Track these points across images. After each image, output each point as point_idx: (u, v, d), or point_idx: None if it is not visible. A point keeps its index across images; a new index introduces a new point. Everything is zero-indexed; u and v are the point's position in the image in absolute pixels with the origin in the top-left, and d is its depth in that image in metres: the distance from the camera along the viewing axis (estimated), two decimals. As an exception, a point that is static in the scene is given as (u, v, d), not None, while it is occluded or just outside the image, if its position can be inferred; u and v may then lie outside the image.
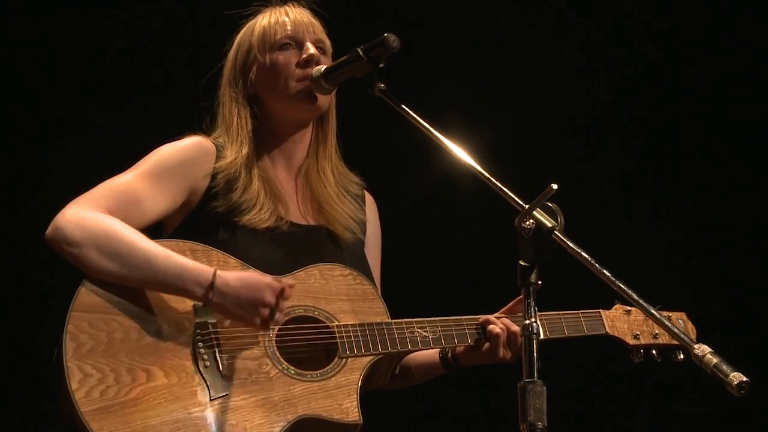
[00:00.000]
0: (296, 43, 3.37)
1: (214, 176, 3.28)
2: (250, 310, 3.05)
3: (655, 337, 3.56)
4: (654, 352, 3.56)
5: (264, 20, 3.40)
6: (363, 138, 4.49)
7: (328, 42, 3.42)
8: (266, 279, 3.09)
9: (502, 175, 2.69)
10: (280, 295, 3.06)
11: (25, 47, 4.66)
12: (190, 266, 3.06)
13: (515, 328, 3.31)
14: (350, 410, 3.13)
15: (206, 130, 3.39)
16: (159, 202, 3.21)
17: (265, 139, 3.39)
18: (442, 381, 3.60)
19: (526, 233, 2.59)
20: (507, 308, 3.41)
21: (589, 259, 2.55)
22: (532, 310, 2.59)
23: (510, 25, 5.14)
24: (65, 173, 4.42)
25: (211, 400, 3.03)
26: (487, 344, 3.34)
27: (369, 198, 3.59)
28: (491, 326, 3.33)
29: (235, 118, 3.36)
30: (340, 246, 3.40)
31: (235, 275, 3.08)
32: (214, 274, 3.05)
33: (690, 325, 3.61)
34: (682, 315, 3.61)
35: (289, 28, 3.37)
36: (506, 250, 2.65)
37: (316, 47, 3.35)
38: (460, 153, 2.78)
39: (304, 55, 3.33)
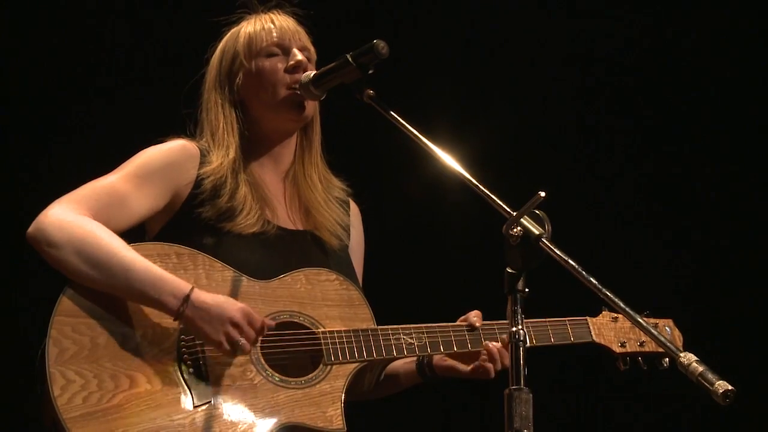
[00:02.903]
0: (282, 49, 3.35)
1: (199, 181, 3.26)
2: (217, 326, 3.00)
3: (641, 345, 3.55)
4: (640, 359, 3.56)
5: (249, 27, 3.38)
6: (351, 144, 4.51)
7: (313, 50, 3.40)
8: (240, 303, 3.07)
9: (490, 182, 2.69)
10: (251, 321, 3.03)
11: (9, 49, 4.65)
12: (168, 278, 3.04)
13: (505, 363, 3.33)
14: (334, 418, 3.12)
15: (190, 136, 3.37)
16: (142, 204, 3.20)
17: (252, 144, 3.38)
18: (426, 388, 3.59)
19: (514, 240, 2.59)
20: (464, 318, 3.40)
21: (576, 266, 2.54)
22: (518, 317, 2.58)
23: (500, 31, 5.14)
24: (50, 174, 4.43)
25: (194, 407, 3.02)
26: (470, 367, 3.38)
27: (353, 206, 3.58)
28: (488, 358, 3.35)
29: (221, 123, 3.34)
30: (326, 251, 3.39)
31: (212, 295, 3.06)
32: (192, 289, 3.03)
33: (677, 333, 3.61)
34: (669, 322, 3.61)
35: (275, 34, 3.36)
36: (494, 257, 2.64)
37: (302, 54, 3.34)
38: (448, 160, 2.77)
39: (292, 61, 3.32)
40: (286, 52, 3.35)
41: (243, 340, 3.01)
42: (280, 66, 3.33)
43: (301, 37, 3.39)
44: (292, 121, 3.35)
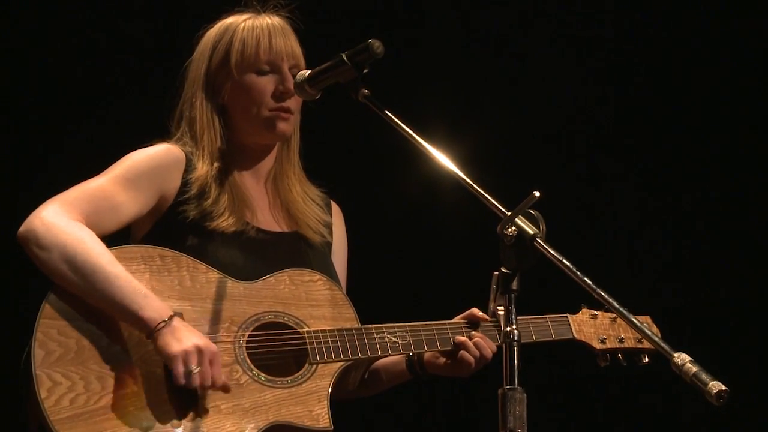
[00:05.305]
0: (273, 67, 3.33)
1: (185, 186, 3.26)
2: (182, 343, 2.96)
3: (621, 341, 3.59)
4: (620, 356, 3.59)
5: (244, 32, 3.35)
6: (346, 143, 4.50)
7: (303, 63, 3.37)
8: (215, 347, 3.03)
9: (485, 181, 2.69)
10: (215, 363, 2.99)
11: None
12: (153, 296, 3.03)
13: (488, 353, 3.36)
14: (321, 416, 3.13)
15: (172, 135, 3.37)
16: (131, 207, 3.19)
17: (233, 150, 3.38)
18: (417, 385, 3.60)
19: (508, 240, 2.59)
20: (463, 316, 3.43)
21: (571, 266, 2.55)
22: (512, 317, 2.60)
23: (495, 30, 5.15)
24: (39, 176, 4.40)
25: (181, 407, 3.01)
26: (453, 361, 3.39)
27: (335, 207, 3.59)
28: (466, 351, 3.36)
29: (206, 132, 3.34)
30: (309, 252, 3.40)
31: (193, 329, 3.04)
32: (176, 314, 3.02)
33: (655, 329, 3.63)
34: (647, 319, 3.63)
35: (269, 50, 3.33)
36: (488, 256, 2.65)
37: (292, 72, 3.32)
38: (443, 159, 2.76)
39: (281, 88, 3.32)
40: (277, 70, 3.33)
41: (197, 370, 2.96)
42: (269, 89, 3.32)
43: (295, 53, 3.37)
44: (270, 139, 3.38)
